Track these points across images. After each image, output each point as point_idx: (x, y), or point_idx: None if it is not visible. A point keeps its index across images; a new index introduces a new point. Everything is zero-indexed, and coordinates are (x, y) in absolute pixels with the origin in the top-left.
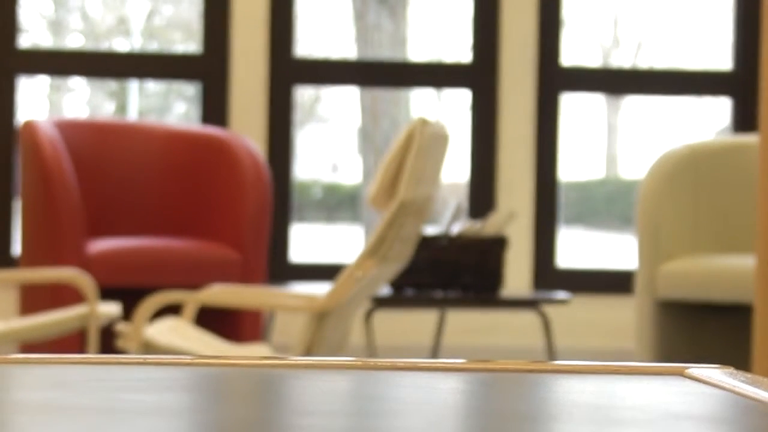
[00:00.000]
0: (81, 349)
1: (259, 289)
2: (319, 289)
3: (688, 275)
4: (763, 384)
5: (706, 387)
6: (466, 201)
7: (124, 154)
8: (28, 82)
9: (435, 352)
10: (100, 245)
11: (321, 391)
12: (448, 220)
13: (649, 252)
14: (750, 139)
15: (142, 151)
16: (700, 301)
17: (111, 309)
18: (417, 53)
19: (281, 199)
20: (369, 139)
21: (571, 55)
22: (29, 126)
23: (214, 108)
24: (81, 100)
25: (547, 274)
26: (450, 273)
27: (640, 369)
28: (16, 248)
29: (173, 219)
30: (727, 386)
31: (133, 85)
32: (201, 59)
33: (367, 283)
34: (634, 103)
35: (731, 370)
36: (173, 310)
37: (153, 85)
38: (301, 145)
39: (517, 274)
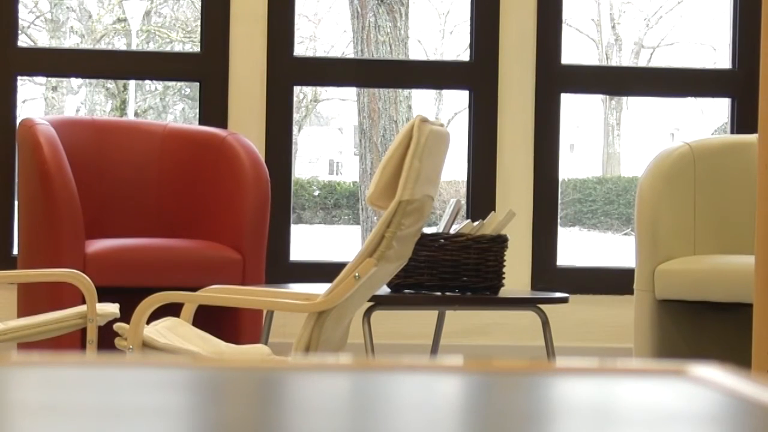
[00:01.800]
0: (79, 349)
1: (258, 288)
2: (318, 288)
3: (687, 274)
4: (763, 384)
5: (706, 387)
6: (465, 200)
7: (123, 154)
8: (27, 82)
9: (434, 352)
10: (98, 245)
11: (321, 391)
12: (447, 219)
13: (649, 251)
14: (749, 138)
15: (140, 150)
16: (699, 300)
17: (109, 309)
18: (416, 52)
19: (280, 199)
20: (367, 138)
21: (571, 54)
22: (27, 125)
23: (213, 107)
24: (79, 99)
25: (547, 273)
26: (449, 272)
27: (639, 369)
28: (15, 248)
29: (172, 219)
30: (727, 386)
31: (132, 85)
32: (199, 58)
33: (366, 283)
34: (633, 102)
35: (731, 369)
36: (172, 310)
37: (151, 85)
38: (301, 145)
39: (516, 274)
